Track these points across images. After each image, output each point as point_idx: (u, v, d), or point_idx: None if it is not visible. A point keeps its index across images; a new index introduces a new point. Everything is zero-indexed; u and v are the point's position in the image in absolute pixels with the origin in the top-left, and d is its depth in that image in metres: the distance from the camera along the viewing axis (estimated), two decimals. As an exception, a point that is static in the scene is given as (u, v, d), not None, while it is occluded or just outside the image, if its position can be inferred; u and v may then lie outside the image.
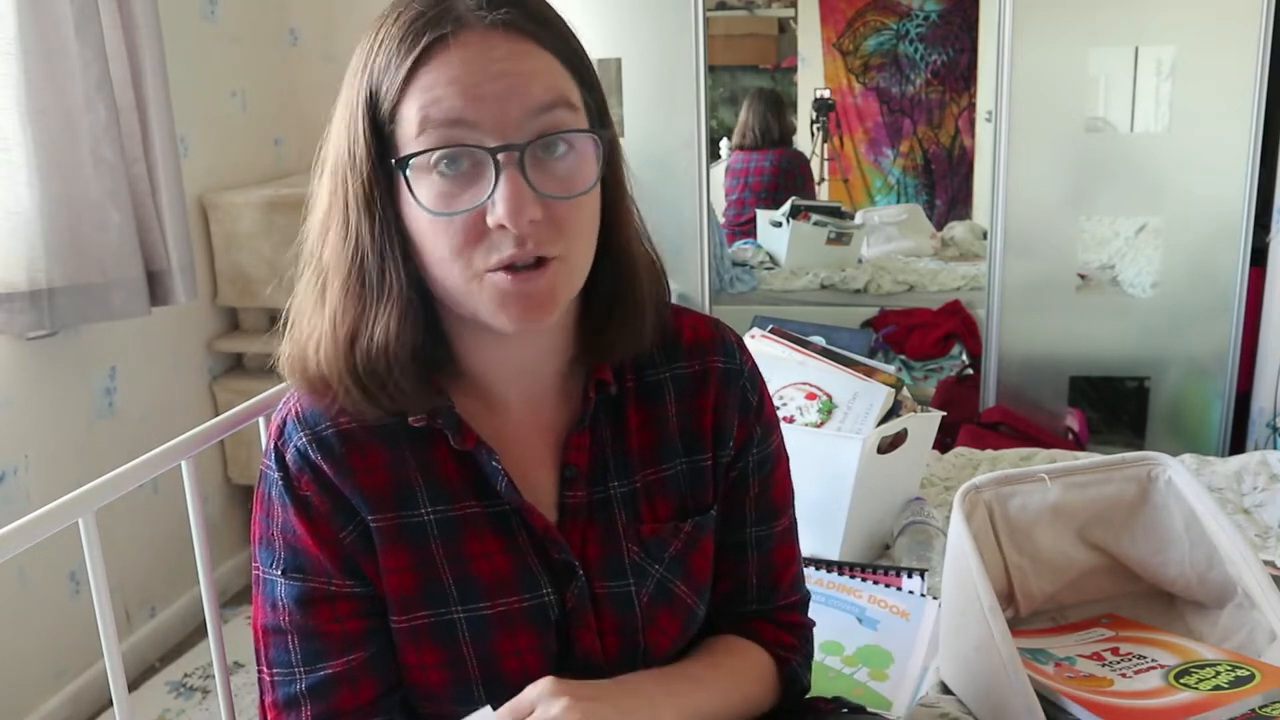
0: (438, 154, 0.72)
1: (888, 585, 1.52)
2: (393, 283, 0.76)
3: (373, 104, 0.75)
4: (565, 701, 0.75)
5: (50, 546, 1.07)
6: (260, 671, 0.84)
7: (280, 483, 0.82)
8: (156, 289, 2.20)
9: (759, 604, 0.95)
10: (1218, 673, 1.02)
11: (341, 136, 0.77)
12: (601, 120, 0.80)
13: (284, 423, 0.83)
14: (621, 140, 2.75)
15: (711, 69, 3.32)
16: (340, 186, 0.77)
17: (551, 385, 0.86)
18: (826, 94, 4.78)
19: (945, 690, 1.21)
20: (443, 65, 0.72)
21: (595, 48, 3.03)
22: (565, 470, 0.86)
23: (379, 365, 0.77)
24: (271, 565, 0.82)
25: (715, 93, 4.86)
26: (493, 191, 0.72)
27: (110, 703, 1.09)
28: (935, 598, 1.47)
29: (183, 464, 1.16)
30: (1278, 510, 1.77)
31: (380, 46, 0.75)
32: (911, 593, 1.50)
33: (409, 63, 0.73)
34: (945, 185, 4.87)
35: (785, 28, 5.03)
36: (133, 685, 2.20)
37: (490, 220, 0.72)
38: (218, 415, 1.54)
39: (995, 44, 2.64)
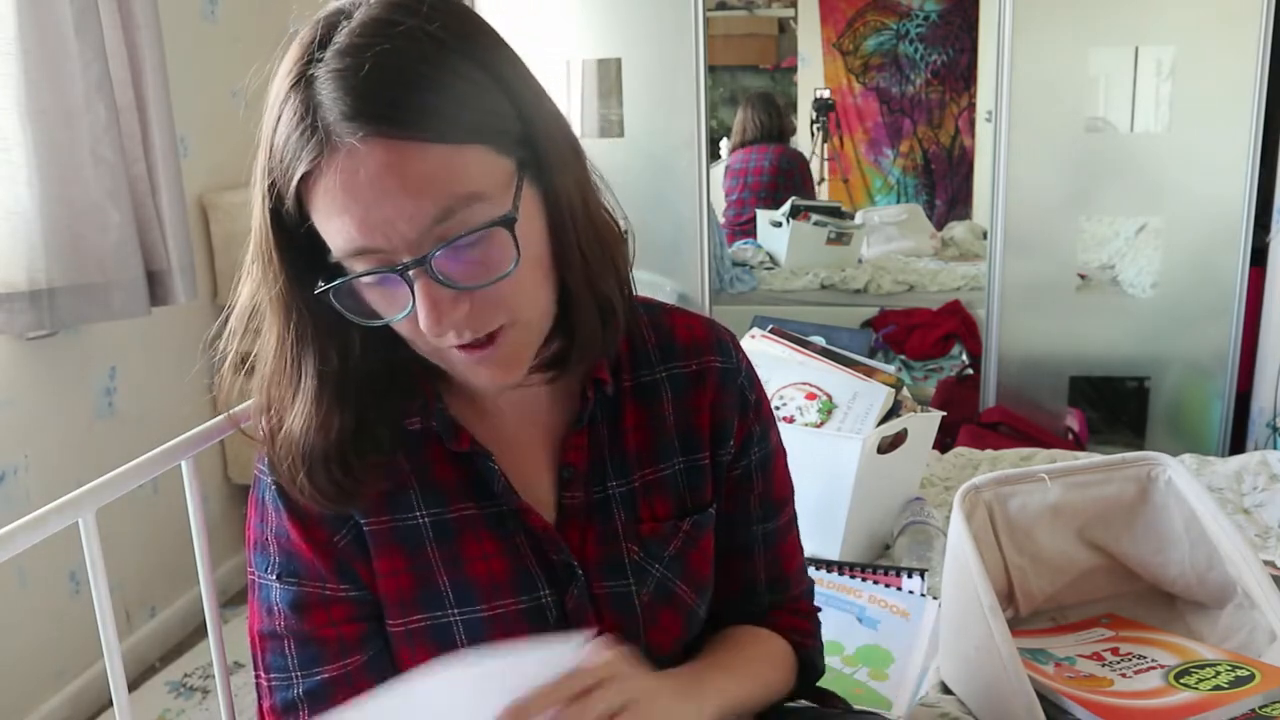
0: (356, 268, 0.70)
1: (888, 585, 1.52)
2: (302, 383, 0.76)
3: (277, 215, 0.71)
4: (631, 680, 0.73)
5: (50, 546, 1.07)
6: (258, 677, 0.84)
7: (273, 487, 0.82)
8: (156, 289, 2.20)
9: (771, 596, 0.96)
10: (1218, 673, 1.02)
11: (256, 232, 0.73)
12: (537, 161, 0.73)
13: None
14: (621, 140, 2.73)
15: (711, 69, 3.32)
16: (259, 280, 0.75)
17: (545, 387, 0.86)
18: (826, 94, 4.79)
19: (945, 690, 1.21)
20: (327, 193, 0.68)
21: (595, 48, 3.05)
22: (563, 471, 0.85)
23: (292, 457, 0.77)
24: (266, 570, 0.82)
25: (715, 93, 4.86)
26: (413, 303, 0.70)
27: (110, 703, 1.09)
28: (935, 598, 1.47)
29: (183, 464, 1.16)
30: (1278, 510, 1.77)
31: (271, 152, 0.70)
32: (911, 593, 1.50)
33: (293, 188, 0.69)
34: (945, 185, 4.87)
35: (785, 28, 5.04)
36: (133, 685, 2.20)
37: (421, 327, 0.71)
38: (218, 415, 1.54)
39: (995, 44, 2.64)
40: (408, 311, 0.71)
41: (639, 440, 0.88)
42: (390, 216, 0.67)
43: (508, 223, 0.69)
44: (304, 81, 0.69)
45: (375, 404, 0.80)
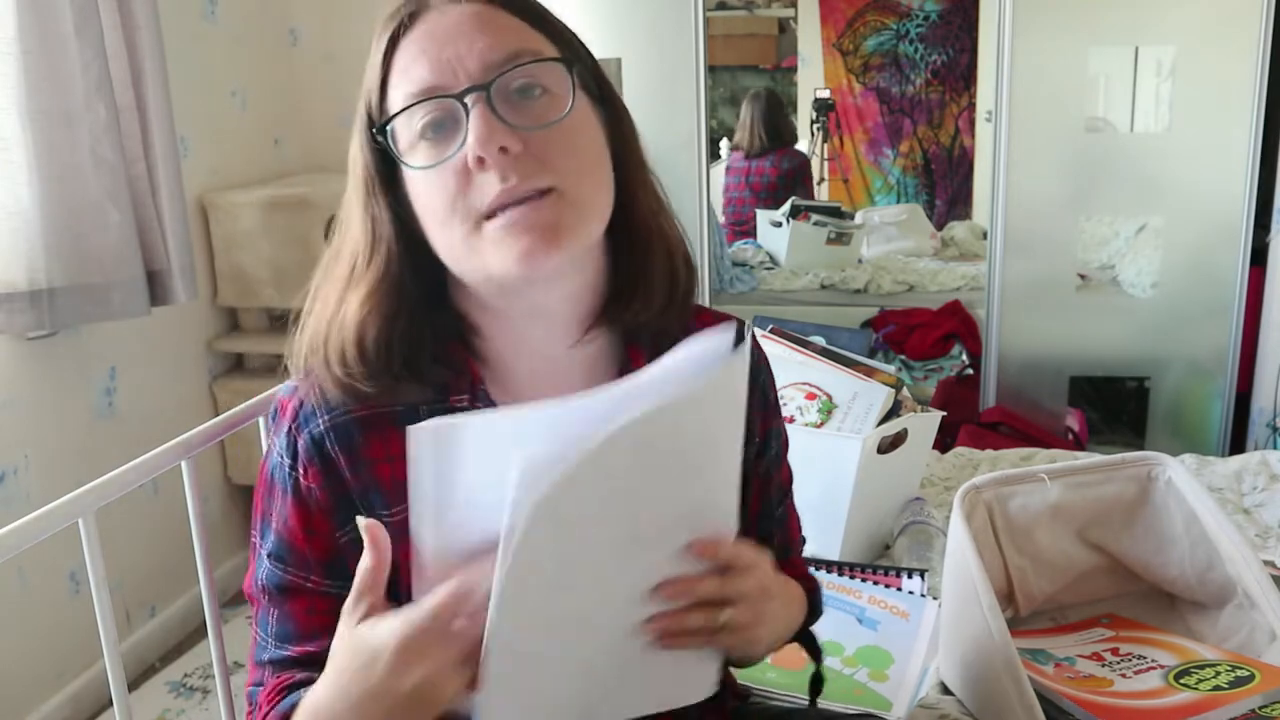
0: (418, 121, 0.75)
1: (888, 585, 1.52)
2: (374, 269, 0.79)
3: (367, 100, 0.79)
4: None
5: (50, 546, 1.07)
6: (252, 628, 0.86)
7: (286, 469, 0.81)
8: (156, 289, 2.20)
9: (779, 556, 0.96)
10: (1218, 673, 1.02)
11: (355, 139, 0.81)
12: (597, 83, 0.81)
13: (302, 403, 0.82)
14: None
15: (711, 69, 3.32)
16: (350, 187, 0.82)
17: (578, 371, 0.86)
18: (826, 94, 4.78)
19: (945, 690, 1.21)
20: (411, 44, 0.76)
21: (595, 48, 3.03)
22: None
23: (344, 337, 0.79)
24: (263, 542, 0.84)
25: (715, 93, 4.86)
26: (464, 138, 0.74)
27: (110, 703, 1.09)
28: (935, 598, 1.47)
29: (183, 464, 1.16)
30: (1278, 510, 1.77)
31: (371, 48, 0.80)
32: (911, 593, 1.50)
33: (383, 50, 0.78)
34: (945, 185, 4.87)
35: (785, 28, 5.03)
36: (133, 685, 2.20)
37: (469, 161, 0.73)
38: (218, 415, 1.54)
39: (995, 44, 2.64)
40: (458, 148, 0.74)
41: None
42: (463, 53, 0.74)
43: (568, 62, 0.77)
44: None
45: (421, 360, 0.81)
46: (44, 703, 2.12)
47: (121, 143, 2.09)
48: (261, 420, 1.26)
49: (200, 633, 2.44)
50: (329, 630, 0.81)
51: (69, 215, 1.99)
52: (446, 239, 0.77)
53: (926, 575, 1.52)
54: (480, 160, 0.73)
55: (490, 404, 0.82)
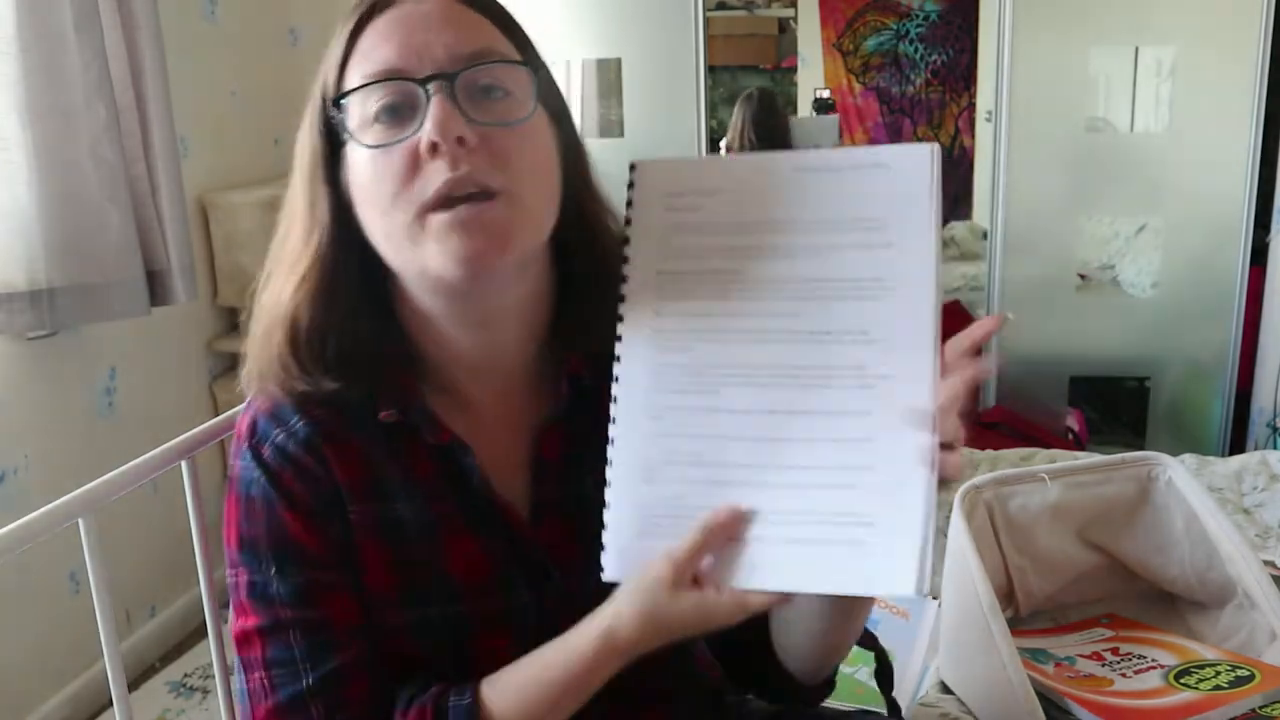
0: (374, 102, 0.74)
1: (888, 585, 1.52)
2: (310, 251, 0.79)
3: (323, 80, 0.78)
4: None
5: (50, 546, 1.06)
6: (252, 680, 0.80)
7: (263, 480, 0.80)
8: (156, 289, 2.20)
9: None
10: (1218, 673, 1.02)
11: (303, 127, 0.81)
12: (554, 97, 0.81)
13: (255, 422, 0.82)
14: (621, 140, 2.74)
15: (711, 69, 3.32)
16: (294, 175, 0.82)
17: (521, 380, 0.84)
18: (826, 94, 4.78)
19: (945, 690, 1.21)
20: (378, 28, 0.76)
21: (595, 48, 3.05)
22: (537, 467, 0.84)
23: (272, 319, 0.79)
24: (260, 567, 0.81)
25: (715, 93, 4.86)
26: (424, 119, 0.72)
27: (110, 703, 1.09)
28: (935, 598, 1.46)
29: (183, 464, 1.16)
30: (1278, 510, 1.77)
31: (332, 39, 0.79)
32: (911, 593, 1.50)
33: (348, 32, 0.77)
34: (945, 185, 4.87)
35: (785, 28, 5.03)
36: (133, 685, 2.20)
37: (423, 146, 0.72)
38: (218, 415, 1.54)
39: (995, 44, 2.64)
40: (413, 133, 0.73)
41: None
42: (431, 41, 0.74)
43: (533, 68, 0.78)
44: None
45: (355, 363, 0.80)
46: (44, 703, 2.12)
47: (121, 142, 2.08)
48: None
49: (200, 633, 2.44)
50: (359, 633, 0.80)
51: (69, 215, 1.99)
52: (386, 227, 0.75)
53: (926, 575, 1.52)
54: (434, 147, 0.71)
55: (426, 413, 0.81)
